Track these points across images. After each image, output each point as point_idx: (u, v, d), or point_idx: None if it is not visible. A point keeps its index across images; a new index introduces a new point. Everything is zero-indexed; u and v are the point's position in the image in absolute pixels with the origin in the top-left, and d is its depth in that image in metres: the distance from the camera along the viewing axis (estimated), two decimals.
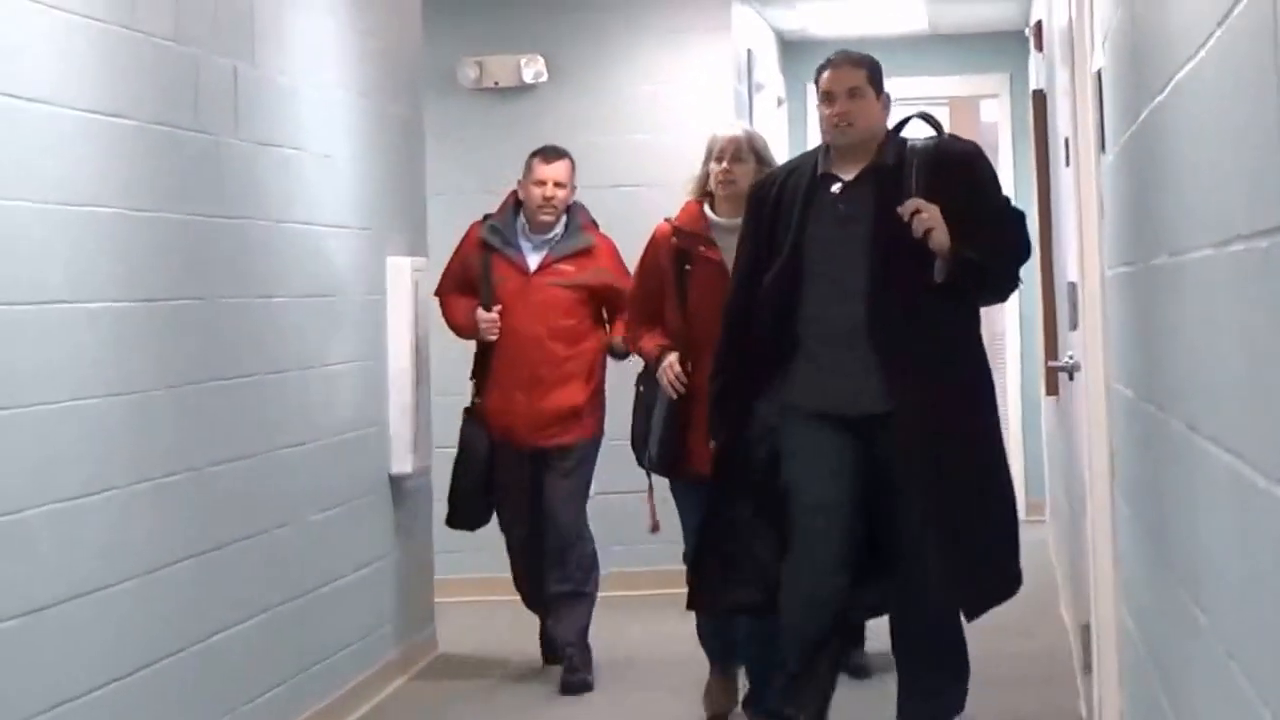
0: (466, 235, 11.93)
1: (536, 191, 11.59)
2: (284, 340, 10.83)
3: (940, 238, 8.90)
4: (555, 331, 11.54)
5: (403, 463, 13.04)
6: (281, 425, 10.74)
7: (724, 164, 10.13)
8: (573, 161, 11.77)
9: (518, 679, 12.90)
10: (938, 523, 9.06)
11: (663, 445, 10.41)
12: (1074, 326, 10.22)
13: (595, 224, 11.96)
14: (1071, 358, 10.55)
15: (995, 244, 9.24)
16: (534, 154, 11.78)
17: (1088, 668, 9.91)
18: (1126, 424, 7.02)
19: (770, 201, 9.50)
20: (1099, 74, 7.36)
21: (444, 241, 13.75)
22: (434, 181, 14.07)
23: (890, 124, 9.67)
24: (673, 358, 10.30)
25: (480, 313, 11.48)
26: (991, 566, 9.29)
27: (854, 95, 9.27)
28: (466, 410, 12.14)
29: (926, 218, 8.89)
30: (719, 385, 9.69)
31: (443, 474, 13.48)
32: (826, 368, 9.31)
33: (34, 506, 7.86)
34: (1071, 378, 10.78)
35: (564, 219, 11.76)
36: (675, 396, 10.28)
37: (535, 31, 15.88)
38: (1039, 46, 14.00)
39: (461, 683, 13.14)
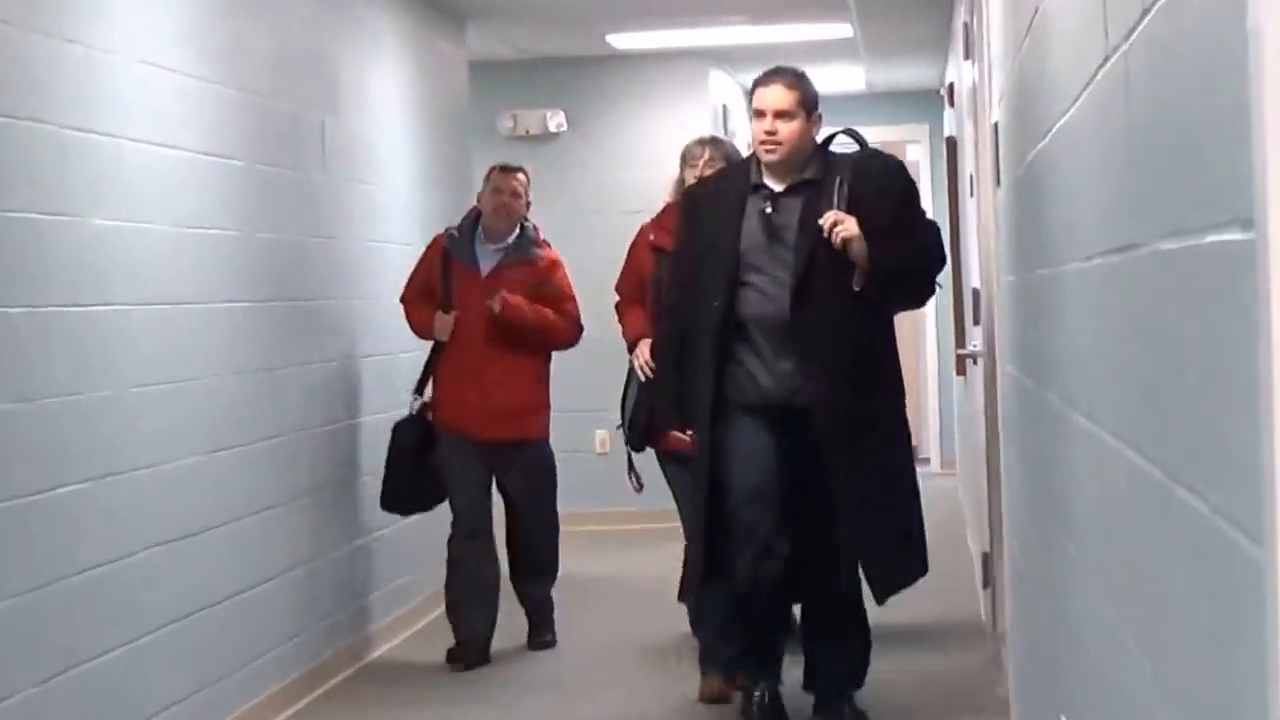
0: (431, 244, 10.46)
1: (495, 200, 10.17)
2: (364, 332, 10.86)
3: (858, 248, 7.91)
4: (502, 332, 10.00)
5: None
6: (363, 398, 10.79)
7: (698, 169, 9.15)
8: (528, 177, 10.40)
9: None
10: (853, 509, 8.14)
11: (632, 424, 9.46)
12: (976, 322, 10.05)
13: (547, 243, 10.50)
14: (975, 346, 10.24)
15: (909, 253, 8.23)
16: (494, 167, 10.44)
17: (986, 584, 10.02)
18: (1015, 397, 6.74)
19: (703, 205, 8.50)
20: (995, 125, 7.29)
21: None
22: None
23: (820, 138, 8.49)
24: (645, 344, 9.29)
25: (439, 315, 10.05)
26: (900, 552, 8.38)
27: (782, 116, 8.14)
28: (420, 408, 10.31)
29: (844, 230, 7.88)
30: (663, 382, 8.70)
31: None
32: (756, 366, 8.24)
33: (172, 460, 8.02)
34: (975, 362, 10.50)
35: (518, 231, 10.27)
36: (644, 379, 9.24)
37: (558, 91, 15.87)
38: (951, 103, 13.85)
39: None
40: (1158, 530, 2.95)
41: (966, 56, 10.57)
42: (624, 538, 15.16)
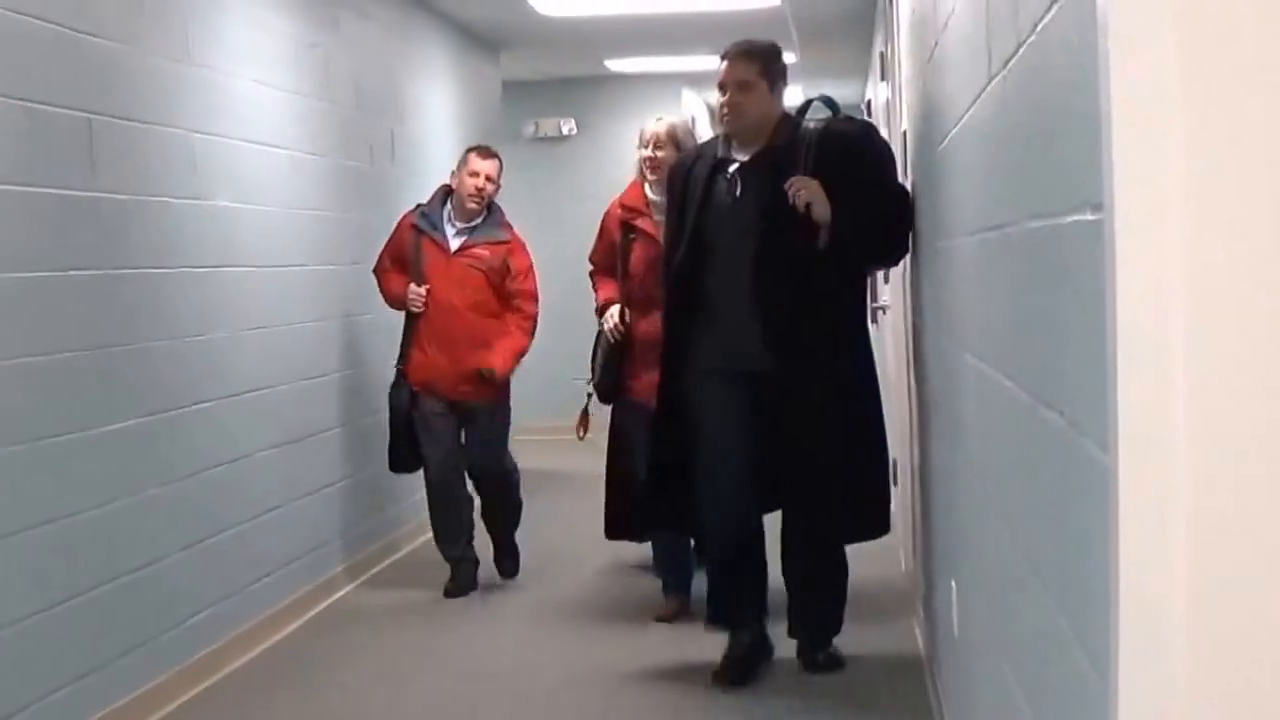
0: (401, 220, 8.88)
1: (470, 181, 8.62)
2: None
3: (820, 210, 6.45)
4: (470, 303, 8.59)
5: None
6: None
7: (649, 151, 8.18)
8: (501, 162, 8.90)
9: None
10: (815, 464, 6.73)
11: (601, 380, 8.34)
12: (886, 281, 9.50)
13: (510, 225, 8.91)
14: (885, 301, 9.63)
15: (873, 215, 6.61)
16: (470, 149, 8.87)
17: (895, 482, 8.82)
18: (920, 340, 6.57)
19: (680, 181, 7.06)
20: (904, 133, 7.27)
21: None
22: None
23: (789, 106, 7.06)
24: (614, 310, 8.20)
25: (411, 287, 8.59)
26: (853, 513, 6.88)
27: (743, 88, 6.72)
28: (398, 373, 8.78)
29: (805, 193, 6.45)
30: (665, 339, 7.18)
31: None
32: (723, 330, 6.85)
33: (274, 385, 8.05)
34: (884, 313, 9.94)
35: (486, 212, 8.76)
36: (613, 341, 8.18)
37: (568, 103, 15.85)
38: (869, 115, 13.83)
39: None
40: (1027, 440, 2.99)
41: (883, 78, 10.43)
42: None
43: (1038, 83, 2.71)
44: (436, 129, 11.54)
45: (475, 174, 8.63)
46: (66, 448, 5.91)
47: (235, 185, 7.56)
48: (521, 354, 8.81)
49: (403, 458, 8.75)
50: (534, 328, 8.87)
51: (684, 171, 6.99)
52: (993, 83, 3.39)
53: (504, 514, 9.15)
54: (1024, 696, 3.18)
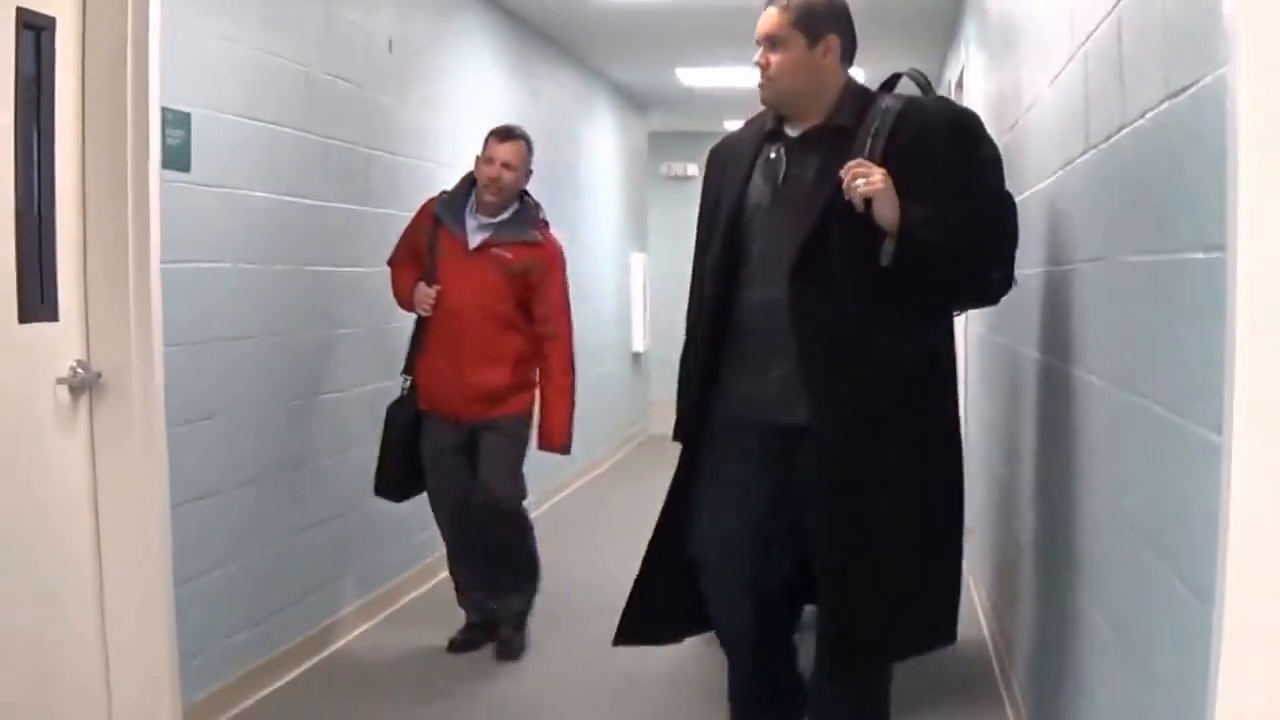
0: (422, 208, 5.87)
1: (485, 170, 5.66)
2: (592, 293, 10.94)
3: (885, 210, 3.62)
4: (485, 311, 5.64)
5: (639, 345, 13.01)
6: (588, 335, 10.78)
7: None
8: (529, 144, 5.80)
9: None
10: (839, 564, 3.80)
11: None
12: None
13: (547, 224, 5.88)
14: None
15: (959, 224, 3.71)
16: (491, 132, 5.81)
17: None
18: (1019, 362, 4.69)
19: (718, 168, 4.15)
20: None
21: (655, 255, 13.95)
22: (649, 222, 14.20)
23: (849, 76, 3.98)
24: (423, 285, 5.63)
25: (420, 287, 5.66)
26: (925, 610, 3.93)
27: (774, 44, 3.89)
28: (403, 386, 5.77)
29: (865, 184, 3.61)
30: (682, 377, 4.18)
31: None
32: (752, 367, 3.94)
33: (371, 383, 7.77)
34: None
35: (515, 207, 5.75)
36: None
37: (695, 150, 15.89)
38: None
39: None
40: (1143, 436, 2.97)
41: None
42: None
43: (1148, 156, 2.72)
44: (605, 166, 11.65)
45: (491, 160, 5.68)
46: (279, 412, 5.34)
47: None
48: (573, 413, 5.81)
49: (390, 483, 5.75)
50: (575, 377, 5.85)
51: (723, 155, 4.17)
52: (1089, 152, 3.40)
53: (508, 565, 5.87)
54: None
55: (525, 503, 5.83)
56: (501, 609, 5.88)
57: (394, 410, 5.72)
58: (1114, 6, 3.03)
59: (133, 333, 4.20)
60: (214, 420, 4.81)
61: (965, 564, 5.47)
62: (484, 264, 5.61)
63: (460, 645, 5.85)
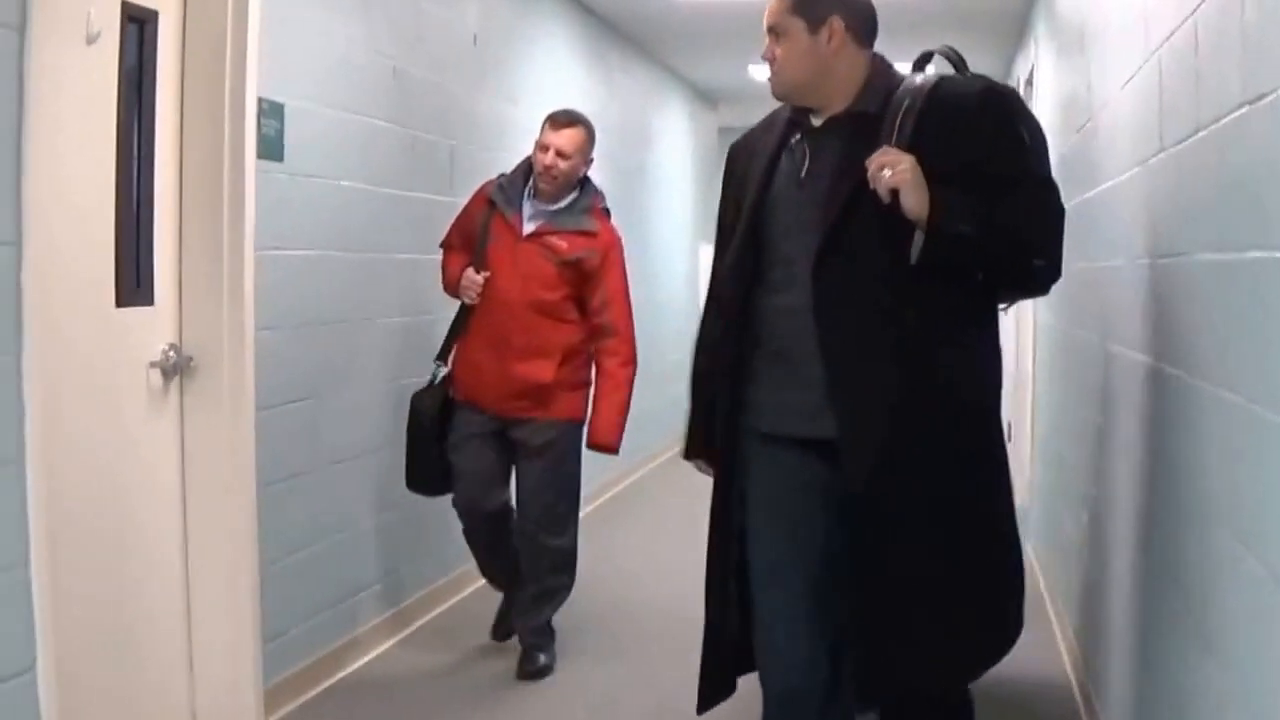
0: (478, 191, 5.45)
1: (540, 157, 5.20)
2: (661, 282, 11.01)
3: (913, 201, 3.17)
4: (533, 302, 5.16)
5: None
6: (660, 328, 10.84)
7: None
8: (588, 131, 5.31)
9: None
10: (878, 597, 3.35)
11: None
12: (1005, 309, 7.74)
13: (607, 214, 5.42)
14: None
15: (998, 215, 3.24)
16: (549, 117, 5.35)
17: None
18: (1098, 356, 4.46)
19: (741, 162, 3.66)
20: None
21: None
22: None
23: (876, 58, 3.46)
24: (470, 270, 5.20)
25: (468, 273, 5.21)
26: (955, 639, 3.40)
27: (777, 35, 3.43)
28: (434, 373, 5.32)
29: (890, 173, 3.17)
30: (694, 397, 3.72)
31: None
32: (779, 376, 3.46)
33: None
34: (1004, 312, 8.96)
35: (574, 194, 5.30)
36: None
37: None
38: None
39: None
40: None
41: None
42: None
43: (1224, 160, 2.74)
44: (675, 160, 11.69)
45: (545, 148, 5.24)
46: (364, 397, 5.40)
47: None
48: (627, 412, 5.34)
49: (422, 477, 5.31)
50: (634, 373, 5.35)
51: (742, 153, 3.67)
52: (1161, 153, 3.42)
53: (541, 592, 5.41)
54: None
55: (577, 516, 5.42)
56: (521, 622, 5.41)
57: (420, 398, 5.28)
58: (1191, 13, 3.05)
59: (225, 318, 4.27)
60: (301, 404, 4.89)
61: (1045, 593, 5.37)
62: (536, 252, 5.21)
63: (501, 634, 5.59)
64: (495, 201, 5.28)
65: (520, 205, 5.26)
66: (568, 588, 5.45)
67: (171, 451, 4.23)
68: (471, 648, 5.58)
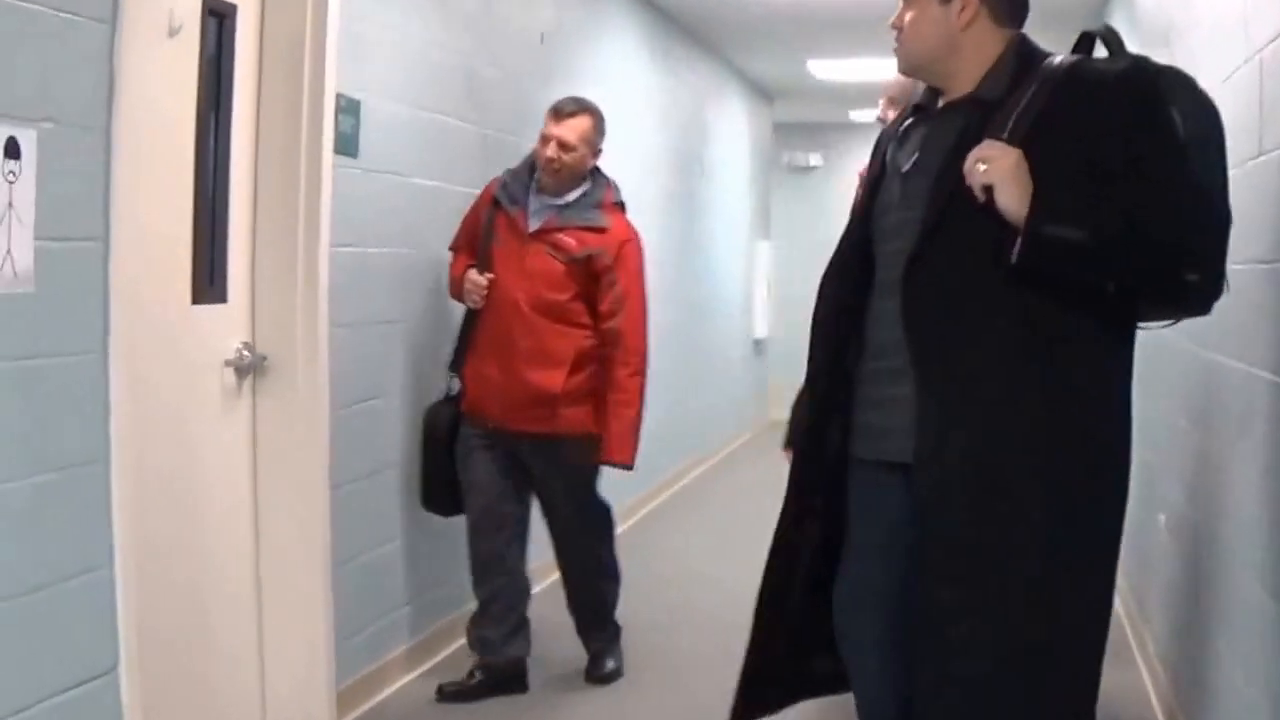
0: (486, 188, 5.03)
1: (541, 150, 4.84)
2: (719, 280, 10.97)
3: (1009, 200, 2.74)
4: (539, 303, 4.77)
5: (761, 331, 13.05)
6: (717, 326, 10.85)
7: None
8: (595, 120, 4.91)
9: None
10: (938, 635, 2.91)
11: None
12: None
13: (622, 207, 5.02)
14: None
15: (1120, 219, 2.71)
16: (551, 107, 4.94)
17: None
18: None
19: (881, 146, 3.23)
20: None
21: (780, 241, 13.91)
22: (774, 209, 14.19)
23: (1018, 38, 3.03)
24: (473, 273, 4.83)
25: (471, 275, 4.82)
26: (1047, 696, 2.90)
27: (908, 1, 3.05)
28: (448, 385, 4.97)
29: (985, 169, 2.77)
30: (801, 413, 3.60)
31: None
32: (874, 394, 3.09)
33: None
34: None
35: (584, 187, 4.90)
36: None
37: (818, 142, 15.80)
38: None
39: None
40: None
41: None
42: None
43: None
44: (734, 153, 11.69)
45: (546, 140, 4.85)
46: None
47: None
48: (639, 426, 4.94)
49: (438, 496, 4.99)
50: (644, 384, 4.95)
51: (888, 132, 3.29)
52: (1261, 157, 3.34)
53: (583, 605, 5.22)
54: None
55: (611, 533, 5.20)
56: (588, 642, 5.23)
57: (434, 411, 4.94)
58: None
59: (299, 317, 4.23)
60: (372, 402, 4.85)
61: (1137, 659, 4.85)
62: (542, 250, 4.81)
63: (450, 693, 4.92)
64: (499, 199, 4.89)
65: (526, 201, 4.88)
66: (614, 590, 5.23)
67: (244, 451, 4.19)
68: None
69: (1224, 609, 3.65)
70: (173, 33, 3.72)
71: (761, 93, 12.95)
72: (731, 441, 11.54)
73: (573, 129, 4.82)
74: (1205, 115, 2.85)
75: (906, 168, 3.07)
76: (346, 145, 4.50)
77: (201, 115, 3.90)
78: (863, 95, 13.09)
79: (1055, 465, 2.85)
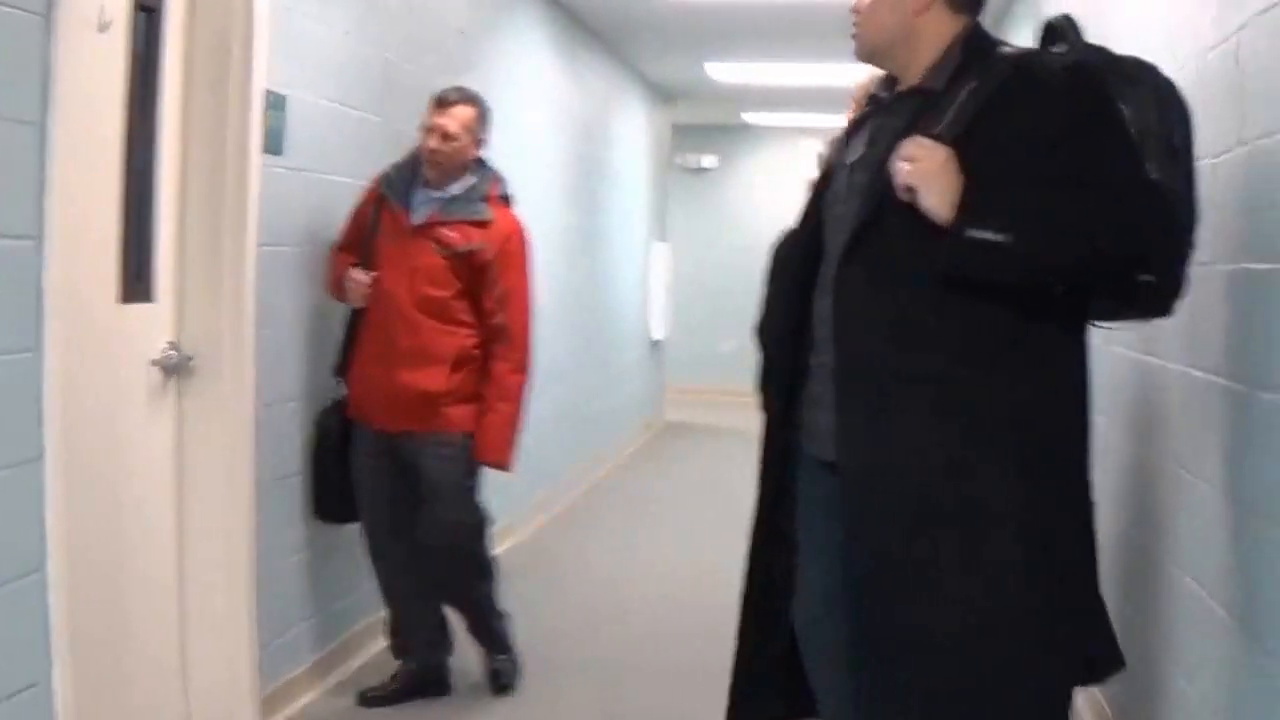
0: (372, 184, 4.85)
1: (425, 141, 4.69)
2: (617, 282, 10.95)
3: (932, 199, 2.60)
4: (421, 300, 4.62)
5: (658, 333, 13.01)
6: (616, 327, 10.84)
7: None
8: (479, 110, 4.77)
9: None
10: (872, 654, 2.75)
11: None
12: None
13: (508, 200, 4.84)
14: None
15: (1040, 219, 2.58)
16: (432, 96, 4.82)
17: None
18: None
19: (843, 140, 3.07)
20: None
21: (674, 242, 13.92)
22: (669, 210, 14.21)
23: (972, 27, 2.86)
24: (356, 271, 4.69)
25: (352, 272, 4.67)
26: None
27: None
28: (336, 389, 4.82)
29: (910, 169, 2.64)
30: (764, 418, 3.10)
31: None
32: (814, 389, 2.91)
33: None
34: None
35: (470, 180, 4.73)
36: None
37: (711, 142, 15.88)
38: None
39: None
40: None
41: None
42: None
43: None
44: (632, 156, 11.67)
45: (429, 130, 4.71)
46: None
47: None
48: (517, 424, 4.75)
49: (329, 505, 4.83)
50: (526, 382, 4.79)
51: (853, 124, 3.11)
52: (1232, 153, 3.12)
53: (464, 612, 5.00)
54: None
55: (489, 535, 4.93)
56: (490, 657, 5.06)
57: (323, 419, 4.80)
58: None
59: (225, 316, 4.17)
60: (297, 403, 4.79)
61: None
62: (424, 246, 4.64)
63: (373, 698, 4.85)
64: (384, 194, 4.73)
65: (410, 195, 4.71)
66: (490, 592, 4.95)
67: (169, 452, 4.12)
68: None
69: (1165, 613, 3.57)
70: (103, 27, 3.64)
71: (660, 94, 12.96)
72: (630, 443, 11.52)
73: (455, 118, 4.68)
74: (1164, 108, 2.77)
75: (853, 159, 2.95)
76: (273, 142, 4.44)
77: (130, 111, 3.83)
78: (759, 98, 13.20)
79: (994, 459, 2.68)
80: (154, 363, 4.01)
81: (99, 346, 3.72)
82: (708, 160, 15.87)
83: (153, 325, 4.03)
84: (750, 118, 15.05)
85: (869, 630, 2.77)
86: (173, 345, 4.07)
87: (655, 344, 12.95)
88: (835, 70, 10.85)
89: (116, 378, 3.84)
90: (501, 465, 4.75)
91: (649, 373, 12.67)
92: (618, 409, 11.06)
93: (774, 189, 15.79)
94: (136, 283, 3.93)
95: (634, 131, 11.73)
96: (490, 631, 5.04)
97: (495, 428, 4.68)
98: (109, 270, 3.79)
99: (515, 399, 4.72)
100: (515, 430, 4.73)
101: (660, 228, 13.46)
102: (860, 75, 3.30)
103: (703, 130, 15.58)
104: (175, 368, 4.09)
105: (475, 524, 4.83)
